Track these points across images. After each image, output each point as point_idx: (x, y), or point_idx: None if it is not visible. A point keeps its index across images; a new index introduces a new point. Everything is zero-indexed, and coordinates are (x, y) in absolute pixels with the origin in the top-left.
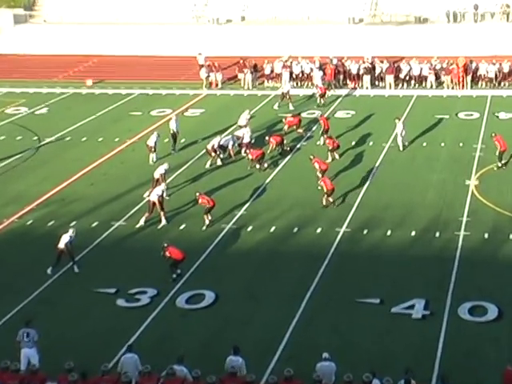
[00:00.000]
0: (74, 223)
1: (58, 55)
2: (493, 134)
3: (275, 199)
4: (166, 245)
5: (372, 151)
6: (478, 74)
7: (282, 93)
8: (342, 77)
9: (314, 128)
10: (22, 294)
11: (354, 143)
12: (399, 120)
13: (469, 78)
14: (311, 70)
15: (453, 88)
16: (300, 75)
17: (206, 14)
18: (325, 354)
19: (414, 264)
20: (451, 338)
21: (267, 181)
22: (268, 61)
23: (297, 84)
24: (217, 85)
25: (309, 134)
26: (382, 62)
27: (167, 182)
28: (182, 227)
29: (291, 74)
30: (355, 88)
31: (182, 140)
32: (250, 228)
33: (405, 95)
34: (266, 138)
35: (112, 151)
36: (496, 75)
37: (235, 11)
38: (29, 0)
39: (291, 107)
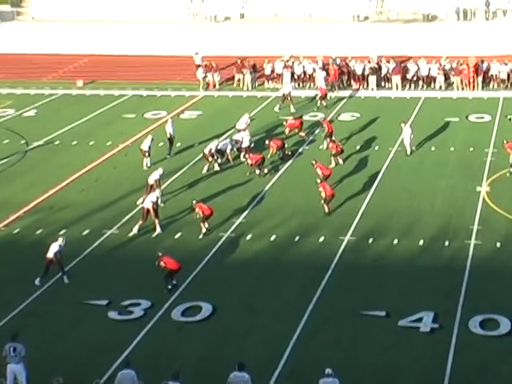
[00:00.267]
0: (63, 231)
1: (46, 54)
2: (504, 142)
3: (276, 206)
4: (160, 254)
5: (377, 156)
6: (490, 74)
7: (283, 94)
8: (346, 77)
9: (316, 131)
10: (9, 306)
11: (358, 147)
12: (405, 124)
13: (480, 78)
14: (314, 70)
15: (463, 89)
16: (302, 76)
17: (203, 10)
18: (328, 370)
19: (421, 275)
20: (461, 352)
21: (267, 187)
22: (268, 61)
23: (298, 85)
24: (214, 86)
25: (311, 138)
26: (388, 61)
27: (162, 188)
28: (177, 236)
29: (293, 74)
30: (360, 89)
31: (178, 144)
32: (249, 237)
33: (412, 97)
34: (266, 141)
35: (104, 156)
36: (508, 76)
37: (234, 8)
38: None
39: (292, 109)
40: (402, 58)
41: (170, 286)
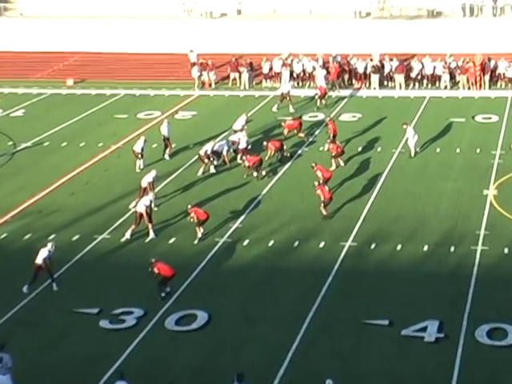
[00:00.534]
0: (52, 237)
1: (35, 52)
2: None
3: (274, 210)
4: (154, 260)
5: (380, 157)
6: (497, 73)
7: (282, 93)
8: (347, 76)
9: (316, 132)
10: None
11: (360, 149)
12: (408, 125)
13: (487, 77)
14: (313, 68)
15: (469, 88)
16: (301, 74)
17: (199, 7)
18: (328, 381)
19: (426, 282)
20: (468, 363)
21: (265, 190)
22: (266, 59)
23: (298, 84)
24: (210, 85)
25: (311, 139)
26: (391, 59)
27: (156, 191)
28: (171, 241)
29: (291, 73)
30: (361, 88)
31: (173, 145)
32: (246, 242)
33: (416, 96)
34: (264, 143)
35: (95, 157)
36: None
37: (230, 4)
38: None
39: (291, 109)
40: (406, 56)
41: (163, 294)
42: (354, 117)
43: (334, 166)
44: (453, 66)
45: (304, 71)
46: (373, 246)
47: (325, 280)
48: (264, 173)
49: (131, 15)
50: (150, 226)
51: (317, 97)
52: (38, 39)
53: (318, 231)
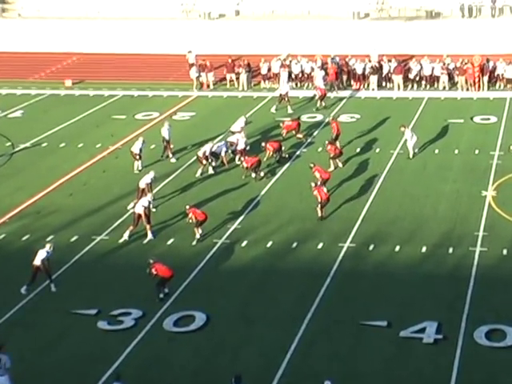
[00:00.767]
0: (51, 238)
1: (33, 53)
2: (511, 147)
3: (272, 211)
4: (152, 261)
5: (379, 159)
6: (496, 74)
7: (280, 94)
8: (345, 77)
9: (315, 133)
10: None
11: (358, 150)
12: (405, 128)
13: (485, 78)
14: (312, 69)
15: (468, 89)
16: (300, 75)
17: (197, 8)
18: (327, 382)
19: (424, 283)
20: (466, 364)
21: (263, 191)
22: (265, 59)
23: (296, 85)
24: (208, 86)
25: (309, 140)
26: (389, 60)
27: (154, 192)
28: (169, 242)
29: (290, 73)
30: (360, 89)
31: (171, 146)
32: (244, 243)
33: (415, 97)
34: (263, 144)
35: (93, 158)
36: None
37: (229, 5)
38: None
39: (290, 110)
40: (404, 57)
41: (161, 295)
42: (353, 118)
43: (332, 167)
44: (451, 67)
45: (302, 72)
46: (371, 247)
47: (323, 281)
48: (262, 174)
49: (129, 16)
50: (148, 227)
51: (317, 97)
52: (36, 40)
53: (316, 232)
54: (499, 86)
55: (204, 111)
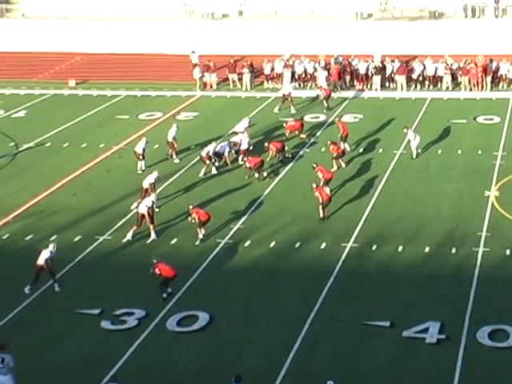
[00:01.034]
0: (54, 237)
1: (37, 53)
2: None
3: (275, 211)
4: (155, 261)
5: (382, 159)
6: (499, 74)
7: (283, 95)
8: (348, 77)
9: (318, 133)
10: None
11: (361, 150)
12: (408, 129)
13: (488, 78)
14: (315, 69)
15: (471, 90)
16: (303, 75)
17: (200, 8)
18: (330, 382)
19: (427, 283)
20: (469, 365)
21: (266, 191)
22: (268, 60)
23: (299, 85)
24: (211, 86)
25: (312, 140)
26: (392, 61)
27: (157, 192)
28: (173, 242)
29: (293, 74)
30: (363, 89)
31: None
32: (247, 243)
33: (418, 97)
34: (266, 144)
35: (96, 158)
36: None
37: (232, 5)
38: None
39: (293, 110)
40: (408, 57)
41: (165, 295)
42: (356, 118)
43: (335, 167)
44: (454, 67)
45: (305, 72)
46: (374, 247)
47: (326, 281)
48: (265, 174)
49: (133, 16)
50: (151, 226)
51: (322, 98)
52: (40, 40)
53: (319, 232)
54: (502, 86)
55: (207, 111)
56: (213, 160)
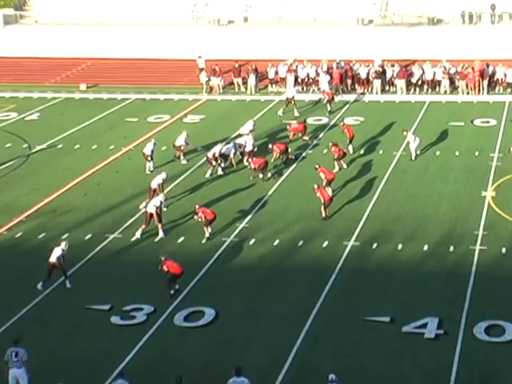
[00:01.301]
0: (66, 236)
1: (49, 58)
2: (511, 149)
3: (279, 211)
4: (163, 259)
5: (382, 160)
6: (495, 78)
7: (287, 98)
8: (350, 81)
9: (320, 135)
10: (11, 310)
11: (362, 151)
12: (407, 132)
13: (485, 82)
14: (317, 74)
15: (468, 93)
16: (306, 79)
17: (207, 14)
18: (331, 376)
19: (426, 280)
20: (466, 359)
21: (270, 191)
22: (272, 64)
23: (302, 89)
24: (217, 89)
25: (315, 142)
26: (392, 65)
27: (165, 192)
28: (180, 240)
29: (296, 78)
30: (364, 93)
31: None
32: (252, 241)
33: (417, 101)
34: (270, 145)
35: (106, 160)
36: None
37: (237, 11)
38: None
39: (296, 113)
40: (407, 62)
41: (172, 291)
42: (357, 120)
43: (337, 168)
44: (452, 71)
45: (308, 76)
46: (375, 245)
47: (328, 279)
48: (270, 174)
49: (142, 22)
50: (159, 225)
51: (325, 101)
52: (53, 46)
53: (321, 231)
54: (499, 90)
55: (213, 114)
56: (219, 161)
